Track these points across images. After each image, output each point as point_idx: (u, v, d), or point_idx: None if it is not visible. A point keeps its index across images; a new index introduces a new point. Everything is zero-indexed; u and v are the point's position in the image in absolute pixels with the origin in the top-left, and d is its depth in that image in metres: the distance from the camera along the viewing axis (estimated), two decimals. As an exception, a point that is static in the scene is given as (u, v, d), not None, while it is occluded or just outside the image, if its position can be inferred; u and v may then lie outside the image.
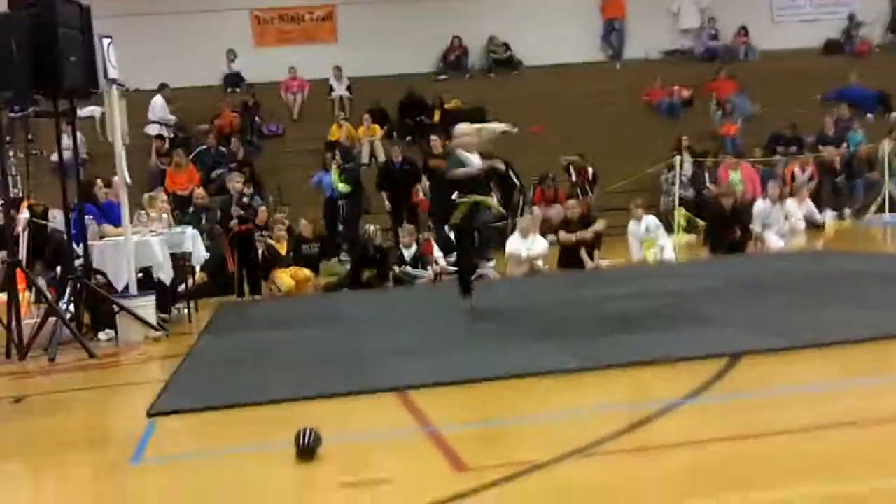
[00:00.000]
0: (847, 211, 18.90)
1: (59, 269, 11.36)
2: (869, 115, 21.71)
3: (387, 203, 17.42)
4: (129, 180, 10.73)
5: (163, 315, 10.62)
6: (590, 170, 18.54)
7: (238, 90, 22.46)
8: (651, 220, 14.32)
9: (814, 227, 16.41)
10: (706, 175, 19.27)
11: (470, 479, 4.50)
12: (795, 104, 22.21)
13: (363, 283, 13.06)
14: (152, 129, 19.98)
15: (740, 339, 7.17)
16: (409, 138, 21.48)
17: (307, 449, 4.96)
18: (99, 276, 10.28)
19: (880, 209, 18.21)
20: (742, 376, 6.28)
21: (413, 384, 6.55)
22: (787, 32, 24.82)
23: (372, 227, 13.51)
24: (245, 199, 13.54)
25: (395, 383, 6.61)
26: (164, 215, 12.10)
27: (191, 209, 15.63)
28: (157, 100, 20.37)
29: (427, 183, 16.92)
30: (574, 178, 18.54)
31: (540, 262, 13.63)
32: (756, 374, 6.39)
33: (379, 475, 4.73)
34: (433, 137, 17.18)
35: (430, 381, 6.63)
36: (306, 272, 13.59)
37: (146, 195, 12.73)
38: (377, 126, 21.18)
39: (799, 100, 22.61)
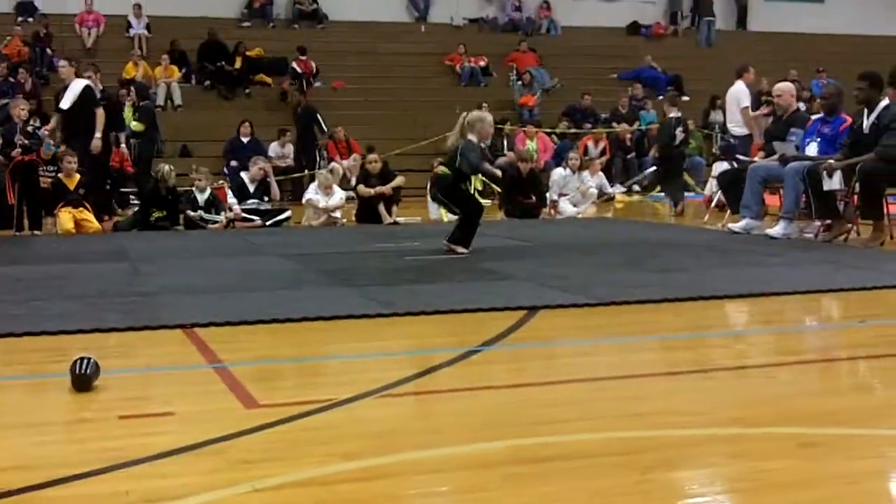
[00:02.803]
0: (636, 186, 19.57)
1: None
2: (660, 97, 22.47)
3: None
4: None
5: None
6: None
7: (31, 19, 21.15)
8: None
9: (604, 199, 16.91)
10: (504, 142, 19.64)
11: (261, 415, 4.25)
12: (593, 81, 22.79)
13: (152, 225, 12.48)
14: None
15: (538, 294, 7.18)
16: (207, 83, 20.86)
17: (83, 377, 4.58)
18: None
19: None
20: (539, 327, 6.29)
21: (201, 322, 6.22)
22: (588, 10, 25.40)
23: (167, 167, 12.87)
24: (30, 129, 12.68)
25: (180, 320, 6.26)
26: None
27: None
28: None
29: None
30: None
31: (338, 214, 13.42)
32: (552, 326, 6.42)
33: (162, 409, 4.41)
34: None
35: (219, 319, 6.30)
36: (93, 221, 12.77)
37: None
38: (175, 68, 20.40)
39: (596, 77, 23.21)
